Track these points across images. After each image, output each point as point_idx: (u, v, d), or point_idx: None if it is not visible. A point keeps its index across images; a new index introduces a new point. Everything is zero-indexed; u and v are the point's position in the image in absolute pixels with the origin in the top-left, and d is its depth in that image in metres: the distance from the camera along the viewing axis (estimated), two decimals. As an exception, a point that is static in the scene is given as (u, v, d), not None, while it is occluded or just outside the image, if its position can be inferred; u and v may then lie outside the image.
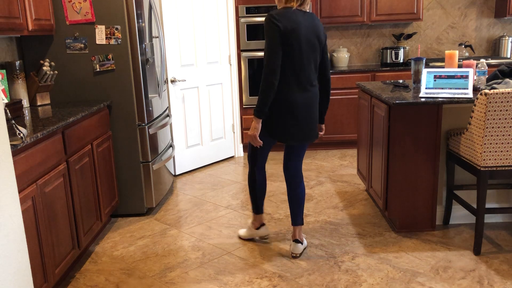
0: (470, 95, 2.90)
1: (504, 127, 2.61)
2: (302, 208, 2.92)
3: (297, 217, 2.91)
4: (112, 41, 3.37)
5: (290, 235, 3.21)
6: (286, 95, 2.64)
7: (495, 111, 2.58)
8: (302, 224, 2.94)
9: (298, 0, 2.61)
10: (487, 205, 3.26)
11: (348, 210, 3.61)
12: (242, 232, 3.20)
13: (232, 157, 5.29)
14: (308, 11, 2.68)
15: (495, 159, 2.67)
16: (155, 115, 3.79)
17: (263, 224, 3.14)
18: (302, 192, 2.90)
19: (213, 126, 4.98)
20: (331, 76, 5.19)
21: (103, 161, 3.27)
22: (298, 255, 2.90)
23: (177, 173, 4.68)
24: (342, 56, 5.53)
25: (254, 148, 2.89)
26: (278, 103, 2.65)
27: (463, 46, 5.46)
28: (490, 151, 2.66)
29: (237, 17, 5.06)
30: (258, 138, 2.69)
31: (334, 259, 2.85)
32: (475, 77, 3.15)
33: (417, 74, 3.39)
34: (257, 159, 2.93)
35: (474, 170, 2.76)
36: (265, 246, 3.07)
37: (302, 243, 2.93)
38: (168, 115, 4.23)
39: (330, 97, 5.24)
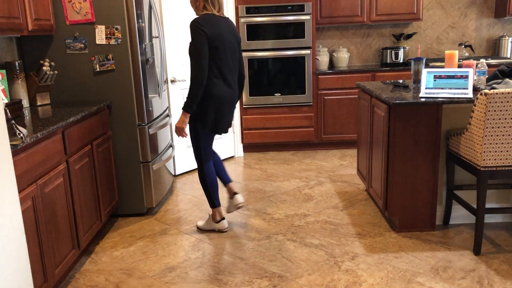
0: (470, 95, 2.90)
1: (504, 127, 2.61)
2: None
3: (227, 175, 3.35)
4: (112, 41, 3.37)
5: (289, 234, 3.21)
6: (218, 91, 2.99)
7: (495, 111, 2.58)
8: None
9: (216, 7, 2.99)
10: (487, 205, 3.26)
11: (348, 210, 3.61)
12: (200, 223, 3.37)
13: (232, 157, 5.29)
14: (224, 16, 3.06)
15: (495, 159, 2.67)
16: (155, 115, 3.78)
17: (223, 218, 3.31)
18: (219, 159, 3.36)
19: (213, 126, 4.97)
20: (331, 76, 5.22)
21: (103, 161, 3.27)
22: (243, 203, 3.35)
23: (177, 173, 4.68)
24: (342, 56, 5.53)
25: (198, 147, 3.12)
26: (213, 99, 2.99)
27: (463, 46, 5.46)
28: (490, 151, 2.66)
29: (237, 17, 5.07)
30: (185, 131, 3.05)
31: (334, 259, 2.85)
32: (475, 77, 3.15)
33: (417, 74, 3.39)
34: (202, 156, 3.15)
35: (474, 170, 2.76)
36: (265, 246, 3.07)
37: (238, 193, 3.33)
38: (168, 115, 4.23)
39: (332, 97, 5.27)
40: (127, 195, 3.61)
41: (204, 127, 3.05)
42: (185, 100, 2.99)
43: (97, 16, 3.32)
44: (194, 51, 2.87)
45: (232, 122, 3.26)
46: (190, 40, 2.93)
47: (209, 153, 3.19)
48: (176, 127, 3.02)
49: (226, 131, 3.17)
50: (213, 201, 3.26)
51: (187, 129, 4.29)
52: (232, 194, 3.33)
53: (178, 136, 3.06)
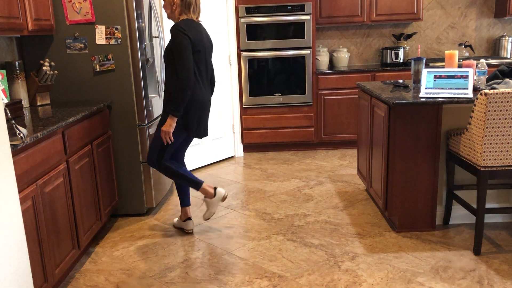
0: (470, 95, 2.90)
1: (504, 127, 2.61)
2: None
3: (188, 198, 3.34)
4: (112, 41, 3.37)
5: (289, 234, 3.21)
6: (200, 95, 3.03)
7: (495, 111, 2.58)
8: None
9: (196, 13, 3.03)
10: (487, 205, 3.26)
11: (348, 210, 3.61)
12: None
13: (232, 157, 5.29)
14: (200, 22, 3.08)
15: (495, 159, 2.67)
16: (155, 115, 3.79)
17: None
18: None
19: (213, 126, 4.97)
20: (331, 76, 5.22)
21: (103, 161, 3.27)
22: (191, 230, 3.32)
23: (177, 173, 4.67)
24: (342, 56, 5.53)
25: (163, 147, 3.06)
26: (197, 104, 3.02)
27: (463, 46, 5.46)
28: (490, 151, 2.66)
29: (237, 17, 5.07)
30: (171, 135, 2.99)
31: (334, 259, 2.85)
32: (475, 77, 3.14)
33: (417, 74, 3.39)
34: (165, 155, 3.10)
35: (474, 170, 2.76)
36: (265, 246, 3.07)
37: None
38: (168, 115, 4.23)
39: (332, 97, 5.27)
40: (127, 195, 3.61)
41: (186, 131, 3.06)
42: (168, 104, 2.97)
43: (97, 16, 3.32)
44: (179, 56, 2.88)
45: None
46: (168, 44, 2.94)
47: (169, 156, 3.14)
48: (162, 130, 2.97)
49: (207, 135, 3.22)
50: (195, 181, 3.15)
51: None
52: (185, 218, 3.33)
53: (164, 140, 2.99)
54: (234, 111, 5.23)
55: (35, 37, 3.36)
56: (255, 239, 3.18)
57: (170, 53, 2.94)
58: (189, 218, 3.33)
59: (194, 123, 3.06)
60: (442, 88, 3.00)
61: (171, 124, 2.95)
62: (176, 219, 3.44)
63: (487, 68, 3.16)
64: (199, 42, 2.95)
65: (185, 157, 3.35)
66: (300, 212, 3.61)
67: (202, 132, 3.15)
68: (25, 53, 3.39)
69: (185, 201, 3.34)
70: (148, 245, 3.17)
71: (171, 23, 4.37)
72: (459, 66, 3.48)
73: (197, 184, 3.15)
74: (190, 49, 2.89)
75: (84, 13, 3.31)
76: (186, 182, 3.16)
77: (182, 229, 3.36)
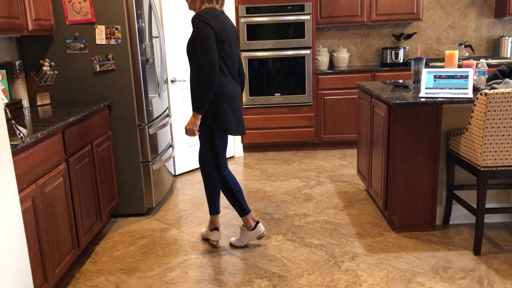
0: (470, 95, 2.90)
1: (504, 127, 2.61)
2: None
3: (218, 206, 3.15)
4: (112, 41, 3.37)
5: (289, 234, 3.21)
6: (227, 89, 2.79)
7: (495, 111, 2.58)
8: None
9: (219, 3, 2.80)
10: (487, 205, 3.26)
11: (348, 210, 3.61)
12: (234, 240, 3.10)
13: (232, 157, 5.29)
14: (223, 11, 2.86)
15: (495, 159, 2.67)
16: (155, 115, 3.78)
17: (257, 222, 3.03)
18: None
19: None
20: (331, 76, 5.21)
21: (103, 161, 3.27)
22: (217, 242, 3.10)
23: (177, 173, 4.68)
24: (342, 56, 5.53)
25: (215, 153, 2.86)
26: (225, 98, 2.79)
27: (463, 46, 5.46)
28: (490, 151, 2.66)
29: (237, 17, 5.07)
30: (196, 131, 2.79)
31: (334, 259, 2.85)
32: (475, 77, 3.14)
33: (417, 74, 3.39)
34: (221, 162, 2.88)
35: (474, 170, 2.76)
36: (265, 246, 3.07)
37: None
38: (168, 115, 4.23)
39: (332, 97, 5.26)
40: (127, 195, 3.61)
41: (219, 129, 2.80)
42: (192, 100, 2.77)
43: (97, 16, 3.32)
44: (202, 47, 2.63)
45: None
46: (190, 37, 2.71)
47: (225, 158, 2.93)
48: (186, 129, 2.77)
49: (243, 132, 2.91)
50: (243, 207, 2.95)
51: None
52: (212, 228, 3.11)
53: (190, 136, 2.81)
54: (234, 111, 5.22)
55: (35, 37, 3.36)
56: (255, 239, 3.18)
57: (192, 46, 2.71)
58: (216, 228, 3.09)
59: (224, 119, 2.79)
60: (442, 88, 3.00)
61: (194, 122, 2.73)
62: (204, 229, 3.21)
63: (487, 68, 3.16)
64: (222, 31, 2.68)
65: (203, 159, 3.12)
66: (300, 212, 3.61)
67: (235, 129, 2.85)
68: (25, 53, 3.39)
69: (214, 209, 3.11)
70: (148, 245, 3.17)
71: (171, 23, 4.39)
72: (459, 66, 3.49)
73: (244, 211, 2.96)
74: (212, 39, 2.63)
75: (84, 13, 3.31)
76: (234, 204, 2.95)
77: (208, 240, 3.15)
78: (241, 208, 2.95)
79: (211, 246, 3.10)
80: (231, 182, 2.91)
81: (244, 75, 3.03)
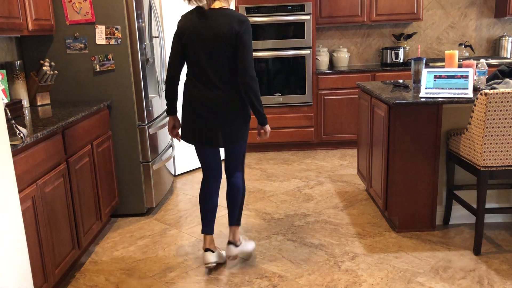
0: (470, 95, 2.90)
1: (504, 127, 2.61)
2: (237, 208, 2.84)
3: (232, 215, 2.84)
4: (112, 41, 3.37)
5: (289, 234, 3.21)
6: (189, 93, 2.61)
7: (495, 111, 2.58)
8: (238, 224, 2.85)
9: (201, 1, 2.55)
10: (487, 205, 3.26)
11: (348, 210, 3.61)
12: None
13: (232, 157, 5.29)
14: (224, 8, 2.54)
15: (495, 159, 2.67)
16: (155, 115, 3.78)
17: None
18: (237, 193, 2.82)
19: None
20: (331, 76, 5.20)
21: (103, 161, 3.27)
22: (231, 257, 2.79)
23: (177, 173, 4.68)
24: (342, 56, 5.53)
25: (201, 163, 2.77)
26: (184, 101, 2.65)
27: (463, 46, 5.46)
28: (490, 151, 2.66)
29: (237, 17, 5.06)
30: (172, 133, 2.79)
31: (334, 259, 2.85)
32: (475, 77, 3.14)
33: (417, 74, 3.39)
34: (203, 171, 2.80)
35: (474, 170, 2.76)
36: (265, 246, 3.07)
37: (236, 245, 2.80)
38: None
39: (332, 97, 5.26)
40: (127, 195, 3.61)
41: (183, 138, 2.72)
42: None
43: (97, 16, 3.32)
44: None
45: (230, 138, 2.63)
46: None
47: (206, 167, 2.76)
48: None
49: (201, 142, 2.62)
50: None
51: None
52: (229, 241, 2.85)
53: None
54: (234, 111, 5.21)
55: (35, 37, 3.36)
56: (255, 239, 3.18)
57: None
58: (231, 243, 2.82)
59: (182, 125, 2.70)
60: (442, 88, 3.00)
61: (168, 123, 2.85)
62: (233, 249, 2.83)
63: (487, 68, 3.16)
64: (187, 32, 2.53)
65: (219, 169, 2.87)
66: (300, 212, 3.61)
67: (188, 136, 2.67)
68: (25, 53, 3.39)
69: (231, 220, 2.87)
70: (148, 245, 3.17)
71: (171, 23, 4.39)
72: (459, 66, 3.49)
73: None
74: (175, 39, 2.59)
75: (84, 13, 3.31)
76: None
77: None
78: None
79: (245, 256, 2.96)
80: (199, 198, 2.82)
81: (244, 79, 2.51)
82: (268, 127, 2.70)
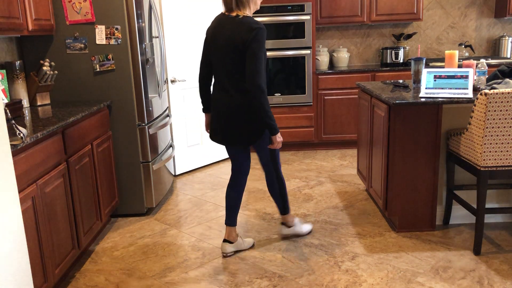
0: (470, 95, 2.90)
1: (504, 127, 2.61)
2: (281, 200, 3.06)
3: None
4: (112, 41, 3.37)
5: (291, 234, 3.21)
6: (214, 95, 2.82)
7: (495, 111, 2.58)
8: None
9: (225, 6, 2.68)
10: (487, 205, 3.26)
11: (348, 210, 3.61)
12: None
13: (232, 157, 5.29)
14: (239, 16, 2.60)
15: (495, 159, 2.67)
16: (155, 115, 3.79)
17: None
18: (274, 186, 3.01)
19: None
20: (331, 76, 5.21)
21: (103, 161, 3.27)
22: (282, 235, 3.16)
23: (177, 173, 4.68)
24: (342, 56, 5.53)
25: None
26: (211, 102, 2.87)
27: (463, 46, 5.46)
28: (490, 151, 2.66)
29: (237, 17, 5.06)
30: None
31: (334, 259, 2.85)
32: (475, 77, 3.15)
33: (417, 74, 3.39)
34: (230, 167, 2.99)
35: (474, 170, 2.76)
36: (265, 246, 3.07)
37: (288, 226, 3.15)
38: (168, 115, 4.23)
39: (332, 97, 5.26)
40: (127, 195, 3.61)
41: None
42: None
43: (97, 16, 3.32)
44: None
45: (242, 139, 2.77)
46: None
47: (234, 164, 2.94)
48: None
49: (219, 141, 2.82)
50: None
51: None
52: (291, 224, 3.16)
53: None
54: (234, 111, 5.22)
55: (35, 37, 3.36)
56: (255, 239, 3.18)
57: None
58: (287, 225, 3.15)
59: (210, 126, 2.90)
60: (442, 88, 3.00)
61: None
62: (284, 230, 3.16)
63: (487, 68, 3.16)
64: (209, 36, 2.72)
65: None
66: (300, 212, 3.61)
67: (211, 134, 2.87)
68: (25, 53, 3.39)
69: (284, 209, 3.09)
70: (148, 245, 3.17)
71: (171, 23, 4.39)
72: (459, 66, 3.49)
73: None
74: (204, 44, 2.82)
75: (84, 13, 3.31)
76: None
77: (298, 235, 3.19)
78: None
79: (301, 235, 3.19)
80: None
81: (250, 87, 2.55)
82: (276, 138, 2.70)
